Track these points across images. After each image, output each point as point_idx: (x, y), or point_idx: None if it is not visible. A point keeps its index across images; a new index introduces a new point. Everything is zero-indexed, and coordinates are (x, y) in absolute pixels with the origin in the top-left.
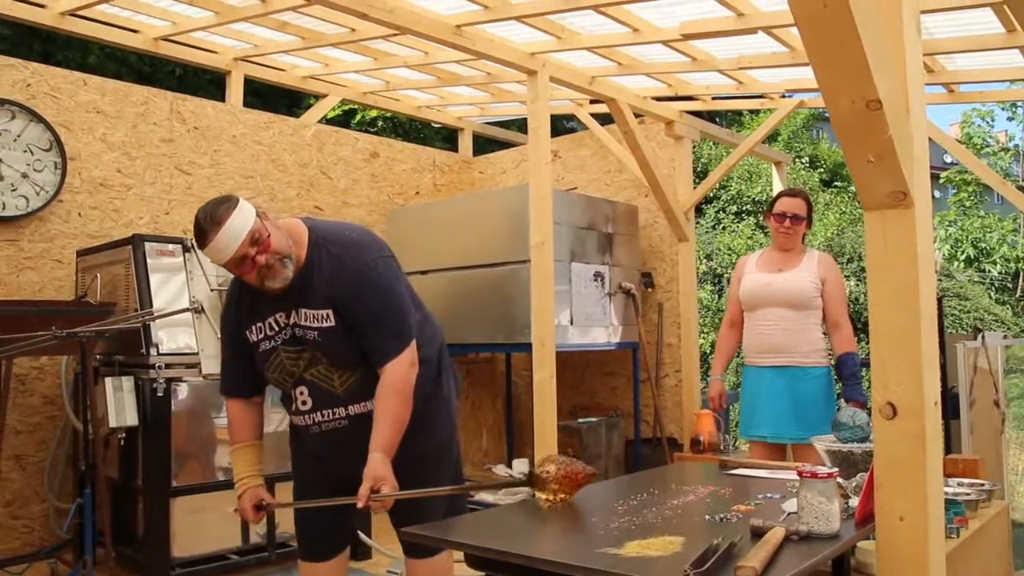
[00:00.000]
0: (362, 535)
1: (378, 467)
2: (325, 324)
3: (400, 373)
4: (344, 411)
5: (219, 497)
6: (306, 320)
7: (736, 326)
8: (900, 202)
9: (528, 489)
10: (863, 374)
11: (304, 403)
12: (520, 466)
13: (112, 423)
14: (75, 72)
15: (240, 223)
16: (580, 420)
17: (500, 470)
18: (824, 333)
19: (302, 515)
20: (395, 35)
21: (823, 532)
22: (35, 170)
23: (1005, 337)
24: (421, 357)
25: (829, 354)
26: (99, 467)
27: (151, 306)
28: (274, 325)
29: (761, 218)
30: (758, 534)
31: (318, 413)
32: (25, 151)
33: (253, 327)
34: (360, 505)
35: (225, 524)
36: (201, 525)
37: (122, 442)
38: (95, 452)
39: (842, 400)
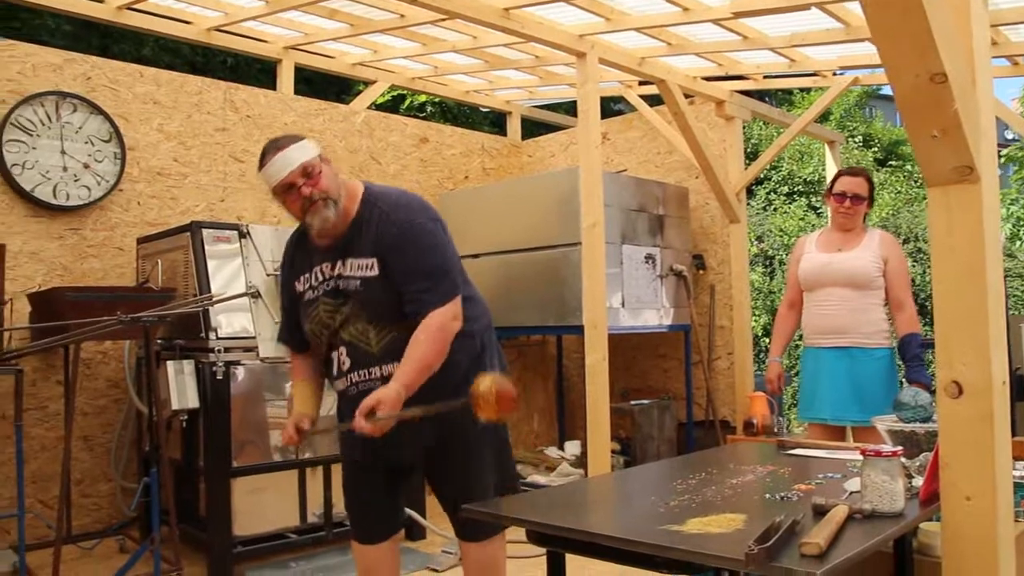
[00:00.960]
0: (416, 516)
1: (384, 391)
2: (369, 273)
3: (439, 320)
4: (379, 371)
5: (277, 477)
6: (351, 270)
7: (795, 307)
8: (966, 177)
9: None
10: (927, 355)
11: (343, 363)
12: (572, 448)
13: (174, 405)
14: (132, 64)
15: (297, 154)
16: (632, 402)
17: (552, 452)
18: (886, 314)
19: (352, 499)
20: (444, 20)
21: (887, 511)
22: (96, 161)
23: None
24: (464, 330)
25: (891, 335)
26: (162, 448)
27: (209, 291)
28: (319, 275)
29: (813, 199)
30: (820, 512)
31: (355, 373)
32: (86, 142)
33: (301, 277)
34: (356, 428)
35: (284, 504)
36: (260, 505)
37: (184, 424)
38: (158, 434)
39: (904, 380)
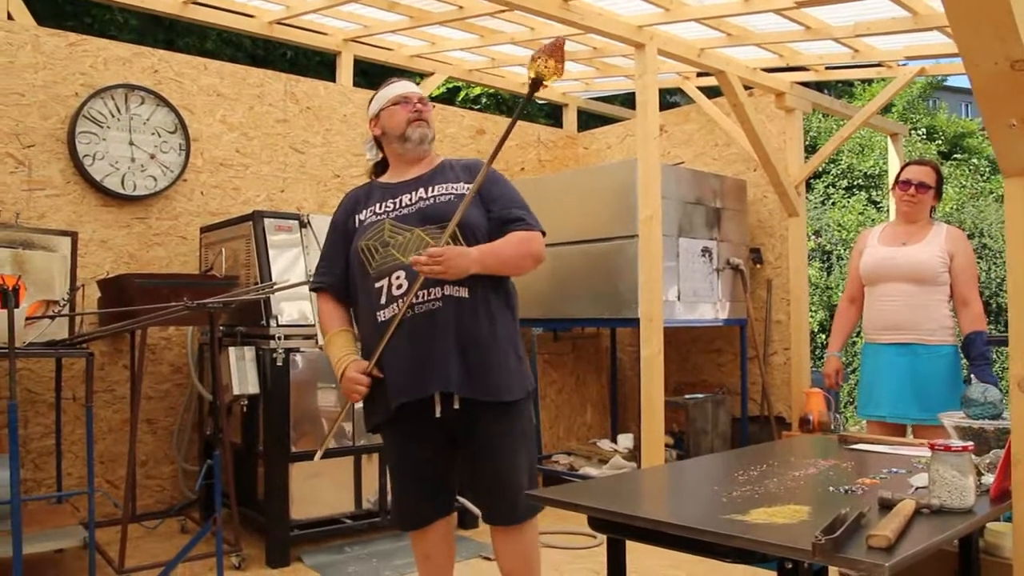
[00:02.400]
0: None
1: (455, 248)
2: (460, 192)
3: (534, 239)
4: (440, 291)
5: (335, 463)
6: (443, 190)
7: (856, 302)
8: None
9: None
10: (992, 353)
11: (399, 287)
12: (625, 441)
13: (235, 391)
14: (196, 57)
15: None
16: (687, 396)
17: (605, 444)
18: (951, 311)
19: (396, 478)
20: (502, 11)
21: (956, 507)
22: (162, 151)
23: None
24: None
25: (956, 332)
26: (224, 432)
27: (271, 279)
28: (392, 204)
29: (873, 193)
30: (887, 506)
31: (412, 295)
32: (153, 134)
33: (365, 210)
34: (413, 263)
35: (340, 490)
36: (317, 490)
37: (244, 409)
38: (220, 418)
39: (972, 376)
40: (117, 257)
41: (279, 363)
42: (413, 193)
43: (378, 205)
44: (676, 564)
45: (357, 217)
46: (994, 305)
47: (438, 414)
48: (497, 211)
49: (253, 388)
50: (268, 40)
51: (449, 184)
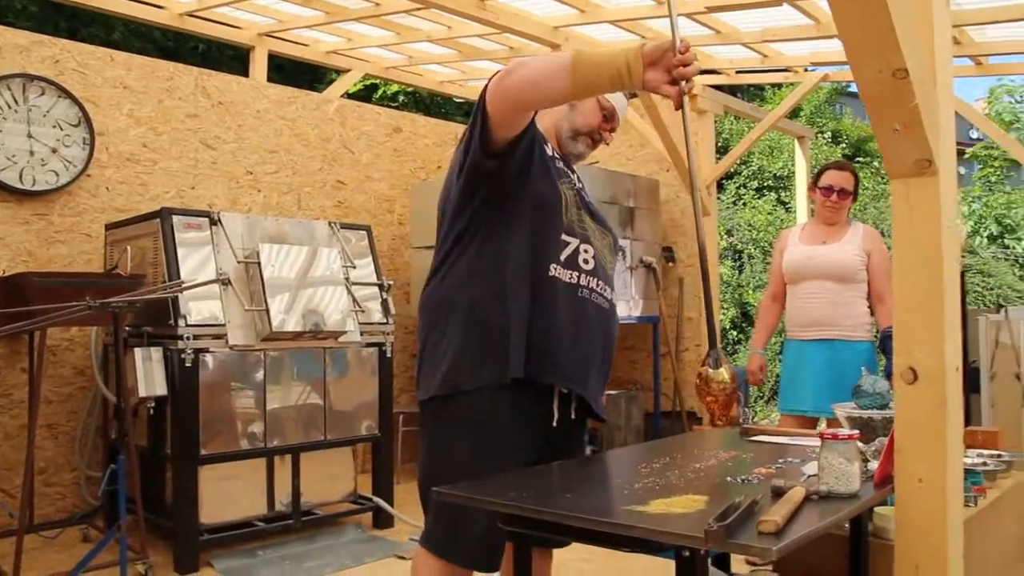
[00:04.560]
0: (383, 503)
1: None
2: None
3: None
4: (611, 292)
5: (246, 465)
6: (591, 200)
7: (778, 300)
8: (925, 170)
9: None
10: None
11: (587, 262)
12: None
13: (141, 393)
14: (102, 48)
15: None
16: None
17: None
18: (868, 307)
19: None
20: (419, 9)
21: (842, 492)
22: (64, 145)
23: None
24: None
25: (873, 328)
26: (129, 436)
27: (179, 278)
28: (567, 173)
29: (782, 194)
30: (779, 493)
31: (595, 280)
32: (54, 126)
33: (550, 147)
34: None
35: (252, 492)
36: (228, 493)
37: (151, 412)
38: (125, 421)
39: (864, 368)
40: (15, 255)
41: (188, 364)
42: (575, 178)
43: (557, 160)
44: (590, 558)
45: (545, 145)
46: None
47: (555, 420)
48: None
49: (160, 390)
50: (179, 32)
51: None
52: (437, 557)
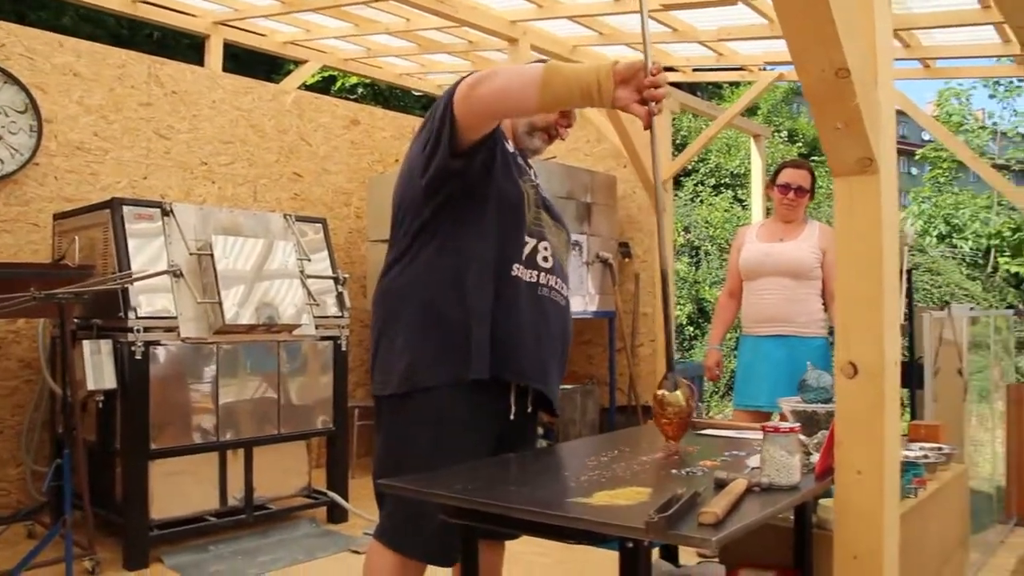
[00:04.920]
0: (338, 498)
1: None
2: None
3: None
4: (564, 288)
5: (197, 460)
6: (546, 194)
7: (735, 296)
8: (866, 168)
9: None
10: None
11: (546, 260)
12: None
13: (90, 386)
14: (50, 33)
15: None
16: None
17: None
18: (823, 304)
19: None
20: (377, 1)
21: (783, 484)
22: (10, 132)
23: (972, 309)
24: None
25: (827, 324)
26: (77, 430)
27: (130, 269)
28: (525, 169)
29: (739, 191)
30: (721, 485)
31: (553, 278)
32: (0, 112)
33: (509, 144)
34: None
35: (204, 487)
36: (179, 487)
37: (100, 405)
38: (73, 415)
39: (809, 363)
40: None
41: (138, 356)
42: (531, 172)
43: (520, 167)
44: (545, 551)
45: (504, 142)
46: None
47: (512, 415)
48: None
49: (110, 383)
50: (132, 19)
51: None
52: (392, 550)
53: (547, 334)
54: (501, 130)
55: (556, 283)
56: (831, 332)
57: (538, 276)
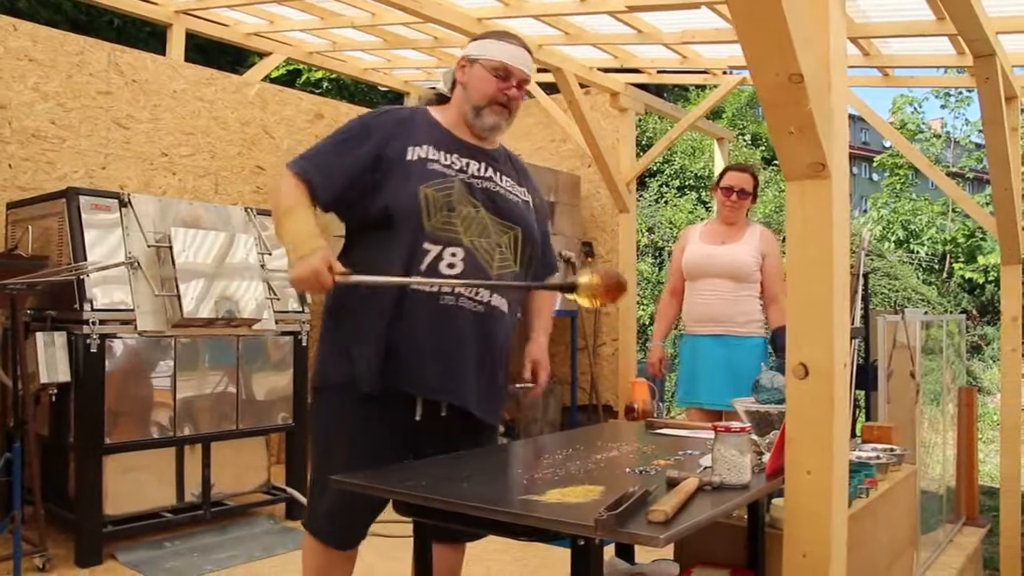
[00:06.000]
0: (297, 494)
1: (542, 353)
2: (525, 199)
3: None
4: (488, 295)
5: (153, 455)
6: (509, 187)
7: (677, 295)
8: (818, 173)
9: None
10: None
11: (452, 266)
12: None
13: (43, 379)
14: (4, 16)
15: (531, 66)
16: (518, 385)
17: None
18: (761, 305)
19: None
20: None
21: (734, 483)
22: None
23: (926, 314)
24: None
25: (765, 325)
26: (29, 424)
27: (85, 260)
28: (463, 164)
29: (703, 193)
30: (673, 484)
31: (463, 288)
32: None
33: (427, 147)
34: (528, 377)
35: (160, 483)
36: (135, 483)
37: (53, 399)
38: (25, 408)
39: (763, 364)
40: None
41: (93, 349)
42: (482, 165)
43: (445, 155)
44: (504, 549)
45: (413, 150)
46: None
47: (418, 417)
48: (543, 258)
49: (64, 376)
50: (92, 6)
51: (514, 183)
52: (306, 532)
53: (456, 344)
54: (410, 136)
55: (467, 290)
56: (772, 334)
57: (439, 285)
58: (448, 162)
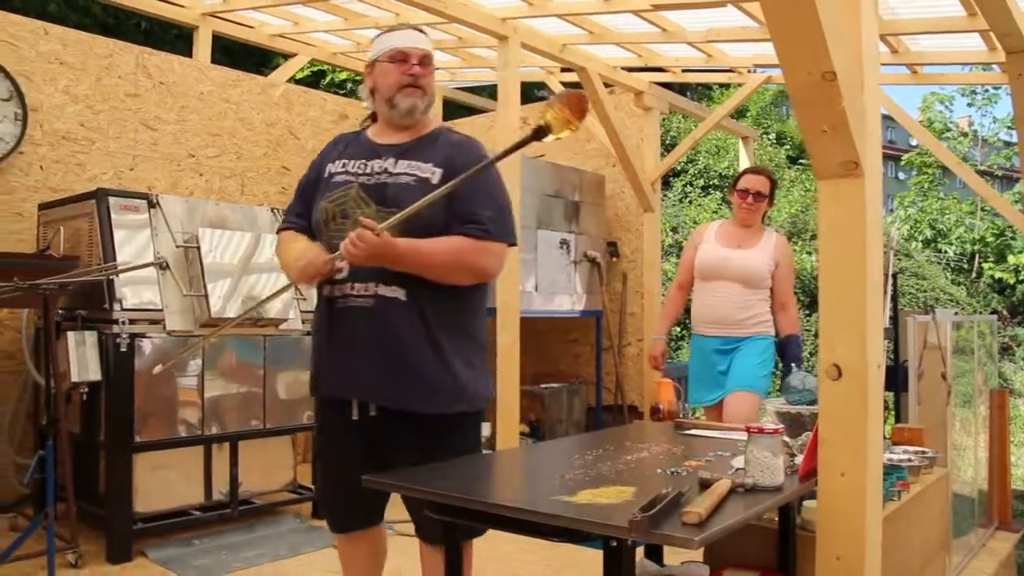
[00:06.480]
0: None
1: (382, 238)
2: (425, 176)
3: (480, 248)
4: (375, 287)
5: (182, 453)
6: (407, 169)
7: (684, 289)
8: (851, 172)
9: None
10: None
11: (340, 271)
12: (482, 429)
13: (74, 378)
14: (35, 20)
15: (427, 42)
16: (543, 386)
17: None
18: (770, 308)
19: (324, 470)
20: None
21: (767, 485)
22: None
23: (956, 314)
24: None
25: (772, 326)
26: (61, 422)
27: (115, 261)
28: (364, 166)
29: (727, 192)
30: (705, 485)
31: (350, 284)
32: None
33: (339, 161)
34: (345, 247)
35: (188, 481)
36: (164, 481)
37: (84, 397)
38: (57, 407)
39: (794, 365)
40: None
41: (123, 348)
42: (385, 161)
43: (352, 163)
44: (530, 549)
45: (329, 167)
46: None
47: (355, 417)
48: (458, 207)
49: (94, 375)
50: (120, 8)
51: (419, 163)
52: None
53: (348, 342)
54: (326, 163)
55: (353, 288)
56: (783, 340)
57: (332, 290)
58: (355, 170)
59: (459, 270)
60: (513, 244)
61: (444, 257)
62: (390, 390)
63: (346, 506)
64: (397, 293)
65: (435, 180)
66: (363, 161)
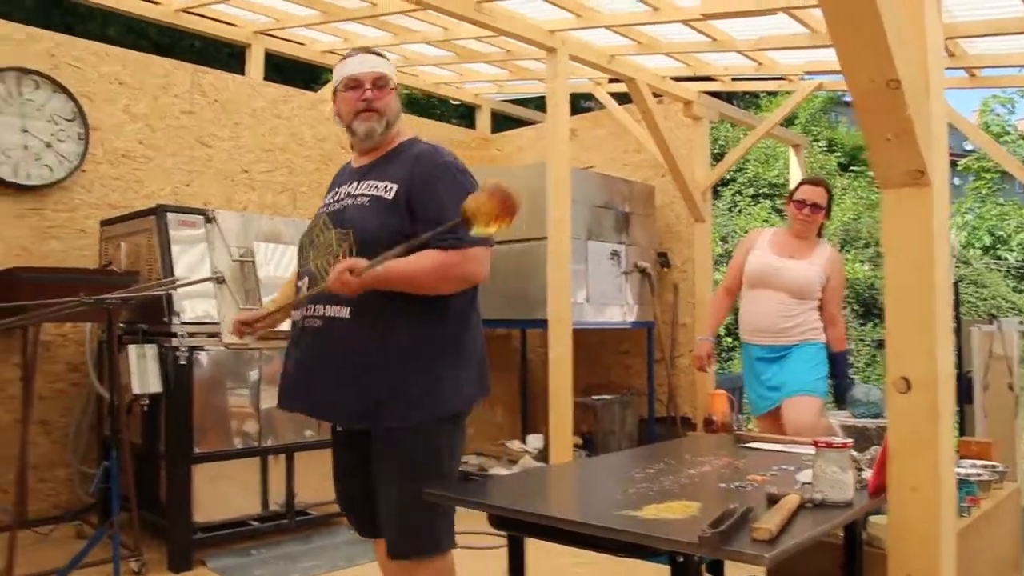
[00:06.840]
0: None
1: (361, 262)
2: (380, 194)
3: (460, 258)
4: (322, 309)
5: (240, 464)
6: (365, 189)
7: (732, 293)
8: (917, 180)
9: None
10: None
11: (300, 291)
12: (535, 441)
13: (136, 390)
14: (96, 43)
15: (382, 64)
16: (595, 397)
17: (515, 445)
18: (819, 317)
19: (336, 492)
20: (415, 10)
21: (837, 500)
22: (59, 140)
23: (1022, 323)
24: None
25: (822, 332)
26: (123, 433)
27: (174, 275)
28: (338, 194)
29: (777, 201)
30: (773, 501)
31: (309, 308)
32: (49, 121)
33: (330, 192)
34: (329, 286)
35: (246, 491)
36: (222, 492)
37: (145, 409)
38: (119, 418)
39: (857, 378)
40: (8, 250)
41: (182, 361)
42: (350, 186)
43: (334, 192)
44: (586, 562)
45: (321, 207)
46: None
47: (339, 428)
48: (424, 217)
49: (155, 387)
50: (175, 29)
51: (377, 182)
52: None
53: (301, 361)
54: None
55: (308, 309)
56: (832, 356)
57: (298, 313)
58: (330, 199)
59: (446, 281)
60: (490, 245)
61: (427, 274)
62: (334, 408)
63: (353, 514)
64: (342, 312)
65: (389, 196)
66: (340, 188)
